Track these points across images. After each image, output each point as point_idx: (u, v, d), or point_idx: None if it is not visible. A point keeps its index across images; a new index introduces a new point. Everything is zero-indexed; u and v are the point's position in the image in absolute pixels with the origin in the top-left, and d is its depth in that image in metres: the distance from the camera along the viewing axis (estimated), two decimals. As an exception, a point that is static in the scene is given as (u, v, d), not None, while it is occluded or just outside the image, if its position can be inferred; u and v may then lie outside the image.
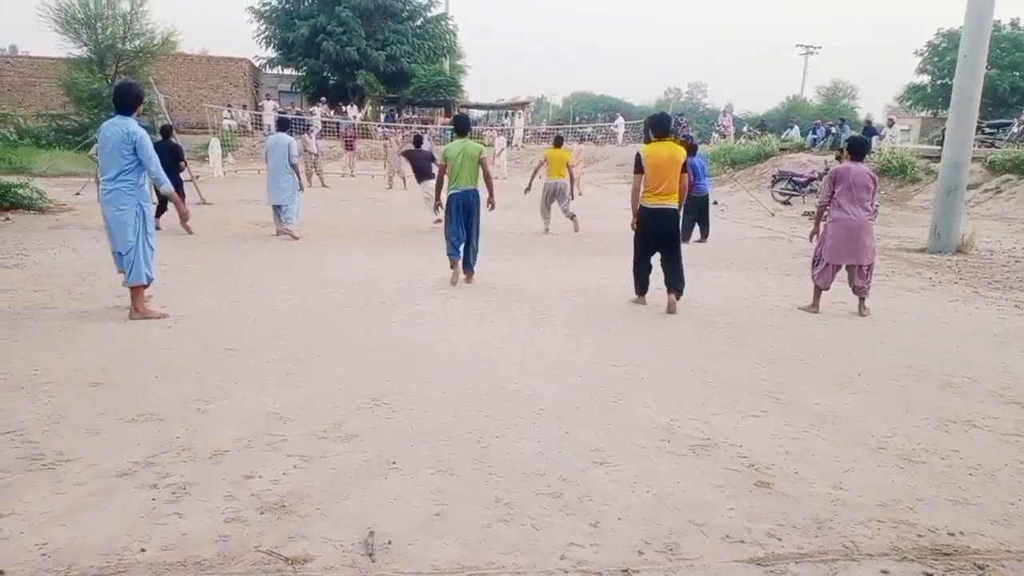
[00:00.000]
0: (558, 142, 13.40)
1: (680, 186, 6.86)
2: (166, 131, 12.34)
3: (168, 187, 6.13)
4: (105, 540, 2.72)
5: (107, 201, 5.95)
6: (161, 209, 11.37)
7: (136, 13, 29.69)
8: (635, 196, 6.97)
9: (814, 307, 7.23)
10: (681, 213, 7.09)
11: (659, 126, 7.02)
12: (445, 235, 7.98)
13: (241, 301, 6.81)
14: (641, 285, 7.26)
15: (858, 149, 7.32)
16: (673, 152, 6.79)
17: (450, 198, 7.88)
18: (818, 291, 7.27)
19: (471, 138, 8.20)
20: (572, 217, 12.69)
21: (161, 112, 21.14)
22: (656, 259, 7.13)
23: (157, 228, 11.10)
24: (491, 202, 8.11)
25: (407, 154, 13.42)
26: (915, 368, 5.40)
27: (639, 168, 6.87)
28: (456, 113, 8.75)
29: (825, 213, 7.27)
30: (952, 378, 5.18)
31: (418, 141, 14.41)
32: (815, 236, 7.53)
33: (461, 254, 7.92)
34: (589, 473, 3.45)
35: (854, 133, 25.74)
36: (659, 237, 6.96)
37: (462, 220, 7.86)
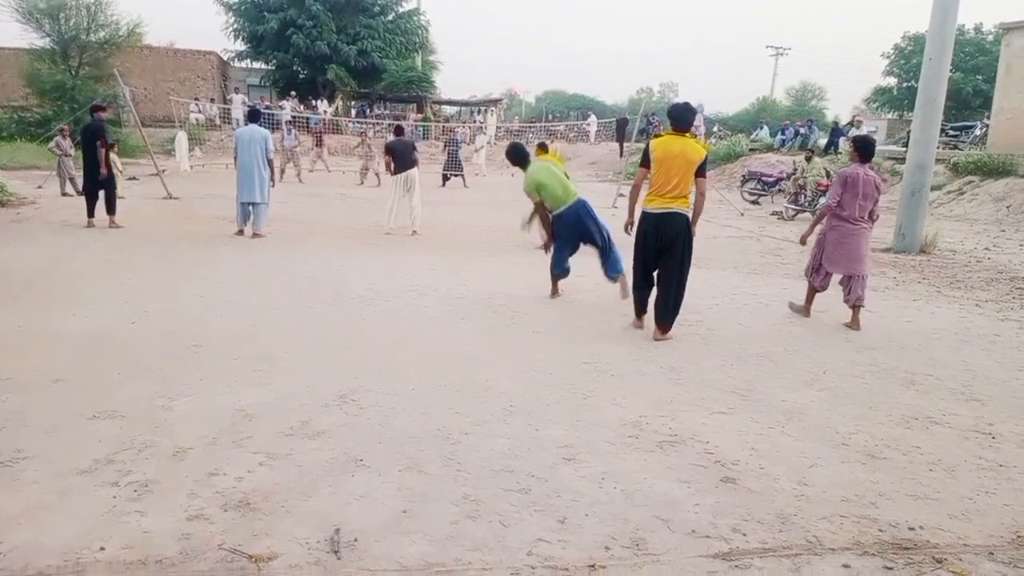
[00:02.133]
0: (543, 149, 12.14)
1: (698, 191, 5.89)
2: (94, 109, 11.11)
3: None
4: (64, 539, 2.67)
5: None
6: (92, 199, 10.75)
7: (100, 4, 29.05)
8: (633, 194, 6.12)
9: (806, 311, 6.96)
10: (695, 226, 5.96)
11: (676, 117, 5.89)
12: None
13: (208, 297, 6.72)
14: (641, 305, 6.22)
15: (867, 149, 6.72)
16: (686, 149, 5.76)
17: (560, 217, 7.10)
18: (812, 294, 6.95)
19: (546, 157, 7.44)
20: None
21: (126, 105, 20.75)
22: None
23: (90, 224, 10.60)
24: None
25: (388, 147, 11.85)
26: (879, 366, 5.49)
27: (645, 162, 5.94)
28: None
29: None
30: (915, 376, 5.28)
31: (399, 131, 12.97)
32: (806, 239, 7.08)
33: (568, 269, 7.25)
34: (558, 470, 3.45)
35: (822, 134, 26.22)
36: (662, 249, 5.89)
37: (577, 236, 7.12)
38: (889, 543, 2.93)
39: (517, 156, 7.46)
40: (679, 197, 5.78)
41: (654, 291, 6.07)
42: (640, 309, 6.23)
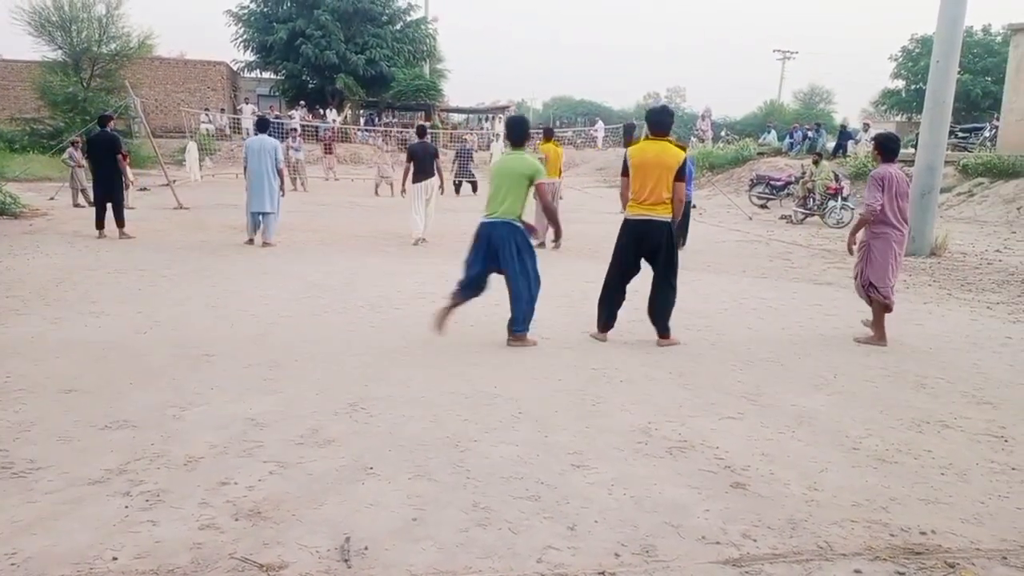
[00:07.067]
0: (548, 135, 12.30)
1: (675, 196, 5.65)
2: (103, 120, 11.29)
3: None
4: (77, 549, 2.69)
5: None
6: (101, 211, 10.85)
7: (112, 16, 29.33)
8: (623, 201, 5.91)
9: (881, 336, 6.15)
10: (673, 228, 5.79)
11: (653, 121, 5.81)
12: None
13: (218, 306, 6.76)
14: (606, 316, 5.96)
15: (890, 147, 6.13)
16: (662, 154, 5.61)
17: (478, 228, 5.81)
18: (883, 312, 6.17)
19: (526, 151, 6.08)
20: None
21: (137, 115, 20.93)
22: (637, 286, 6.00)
23: (100, 235, 10.75)
24: (557, 241, 6.32)
25: (410, 150, 11.33)
26: (890, 369, 5.46)
27: (625, 171, 5.84)
28: (510, 115, 6.17)
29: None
30: (926, 379, 5.25)
31: (421, 131, 12.04)
32: (852, 247, 6.48)
33: (468, 295, 5.79)
34: (567, 476, 3.46)
35: (830, 137, 26.13)
36: (642, 256, 5.85)
37: (487, 257, 5.70)
38: (901, 548, 2.91)
39: (521, 132, 6.01)
40: (657, 203, 5.64)
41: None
42: (604, 320, 5.95)
